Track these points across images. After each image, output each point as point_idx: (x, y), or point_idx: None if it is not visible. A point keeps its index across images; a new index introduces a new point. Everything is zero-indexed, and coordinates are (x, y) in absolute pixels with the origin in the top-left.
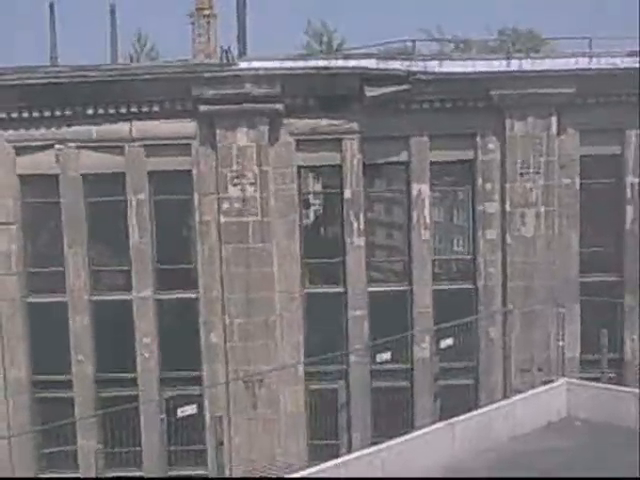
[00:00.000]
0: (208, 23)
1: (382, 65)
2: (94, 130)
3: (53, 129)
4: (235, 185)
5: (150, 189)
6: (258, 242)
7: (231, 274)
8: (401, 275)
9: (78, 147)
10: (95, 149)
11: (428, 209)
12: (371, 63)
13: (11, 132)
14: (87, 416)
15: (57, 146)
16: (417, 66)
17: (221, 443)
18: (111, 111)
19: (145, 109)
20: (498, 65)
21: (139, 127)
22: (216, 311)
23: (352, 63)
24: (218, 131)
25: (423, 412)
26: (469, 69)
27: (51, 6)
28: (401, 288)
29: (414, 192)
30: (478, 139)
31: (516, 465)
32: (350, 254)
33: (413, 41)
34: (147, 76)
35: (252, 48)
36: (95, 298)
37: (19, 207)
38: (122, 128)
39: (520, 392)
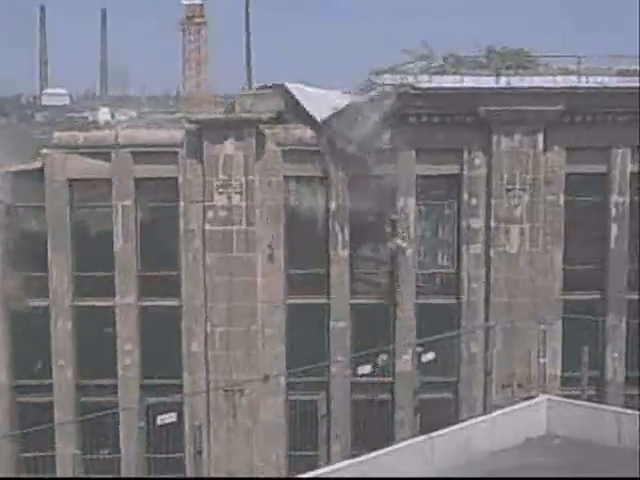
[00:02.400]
0: (199, 32)
1: None
2: None
3: None
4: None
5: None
6: None
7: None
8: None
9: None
10: None
11: (413, 223)
12: None
13: None
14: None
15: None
16: (407, 80)
17: (199, 452)
18: None
19: None
20: (486, 81)
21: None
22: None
23: None
24: None
25: (403, 425)
26: (458, 84)
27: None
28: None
29: (399, 205)
30: (465, 154)
31: None
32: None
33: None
34: None
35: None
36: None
37: None
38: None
39: (500, 408)
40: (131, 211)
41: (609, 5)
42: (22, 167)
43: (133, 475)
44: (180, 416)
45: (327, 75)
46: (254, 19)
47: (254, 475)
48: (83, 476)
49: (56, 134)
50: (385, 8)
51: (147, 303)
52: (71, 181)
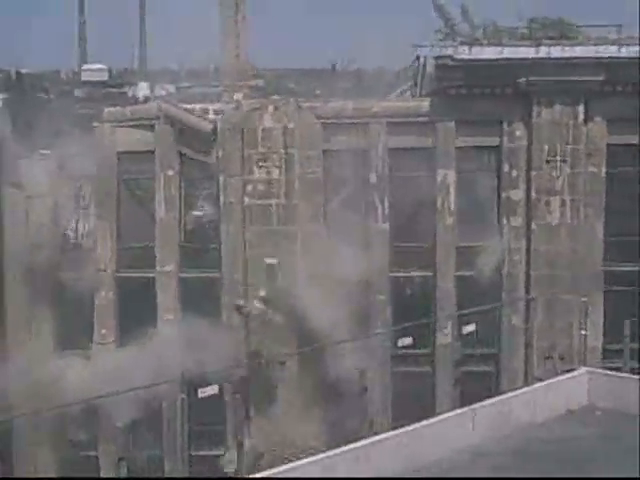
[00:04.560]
0: (237, 3)
1: None
2: None
3: None
4: None
5: None
6: None
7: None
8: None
9: None
10: None
11: (453, 195)
12: None
13: None
14: None
15: None
16: (446, 51)
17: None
18: None
19: None
20: (526, 52)
21: None
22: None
23: None
24: None
25: (444, 398)
26: (497, 55)
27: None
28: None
29: (439, 178)
30: (505, 126)
31: (535, 452)
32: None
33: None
34: None
35: None
36: None
37: None
38: None
39: (541, 380)
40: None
41: None
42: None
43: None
44: (221, 389)
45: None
46: None
47: (293, 449)
48: (84, 476)
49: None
50: None
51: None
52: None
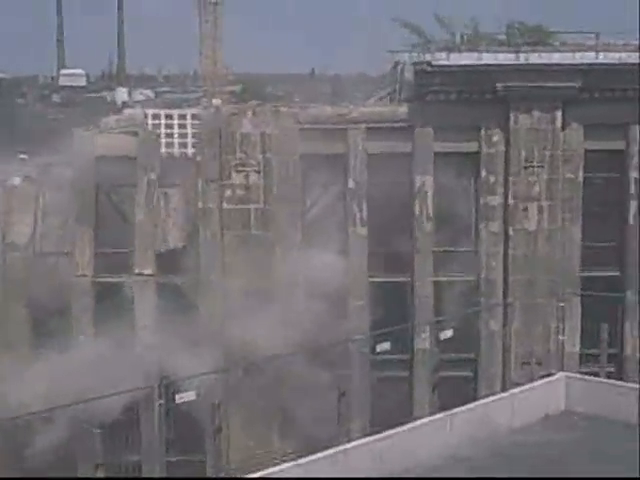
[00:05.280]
0: (214, 9)
1: None
2: None
3: None
4: None
5: None
6: None
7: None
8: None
9: None
10: None
11: (431, 200)
12: None
13: None
14: None
15: None
16: (424, 57)
17: (219, 430)
18: None
19: None
20: (504, 58)
21: None
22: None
23: None
24: None
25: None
26: (475, 61)
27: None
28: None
29: (417, 183)
30: (482, 131)
31: (513, 456)
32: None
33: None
34: None
35: None
36: None
37: None
38: None
39: (519, 385)
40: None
41: None
42: None
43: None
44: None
45: (345, 56)
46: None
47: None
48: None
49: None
50: None
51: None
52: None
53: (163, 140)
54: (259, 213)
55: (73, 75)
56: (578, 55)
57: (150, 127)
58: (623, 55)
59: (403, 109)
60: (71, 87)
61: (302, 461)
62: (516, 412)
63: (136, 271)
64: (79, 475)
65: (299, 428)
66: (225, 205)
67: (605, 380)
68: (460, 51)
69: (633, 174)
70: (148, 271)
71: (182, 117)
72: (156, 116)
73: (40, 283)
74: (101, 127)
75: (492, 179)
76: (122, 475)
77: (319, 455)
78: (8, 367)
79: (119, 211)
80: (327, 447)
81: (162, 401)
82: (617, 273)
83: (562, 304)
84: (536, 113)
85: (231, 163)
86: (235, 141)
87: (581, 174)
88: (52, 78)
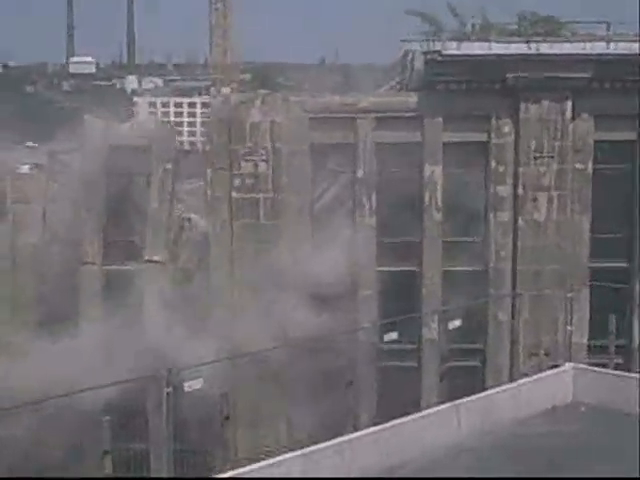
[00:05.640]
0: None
1: None
2: None
3: None
4: None
5: None
6: None
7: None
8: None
9: None
10: None
11: (440, 190)
12: None
13: None
14: None
15: None
16: (435, 47)
17: (227, 418)
18: None
19: None
20: (515, 48)
21: None
22: None
23: None
24: None
25: (430, 392)
26: (486, 51)
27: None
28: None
29: (426, 173)
30: (492, 121)
31: (520, 448)
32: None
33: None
34: None
35: None
36: None
37: None
38: None
39: (527, 375)
40: None
41: None
42: None
43: None
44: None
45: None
46: None
47: (282, 444)
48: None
49: None
50: None
51: None
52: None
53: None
54: (268, 202)
55: (83, 63)
56: (589, 45)
57: (159, 115)
58: (634, 45)
59: (413, 99)
60: (81, 75)
61: (307, 450)
62: (523, 403)
63: (146, 258)
64: (86, 463)
65: (306, 418)
66: (234, 194)
67: (613, 371)
68: (471, 41)
69: None
70: (158, 258)
71: (191, 105)
72: (165, 104)
73: (49, 270)
74: (112, 138)
75: (501, 169)
76: (130, 462)
77: (325, 444)
78: (16, 350)
79: (130, 199)
80: (334, 437)
81: (170, 389)
82: (626, 264)
83: (570, 295)
84: (546, 103)
85: (240, 152)
86: (244, 130)
87: (591, 165)
88: (62, 66)
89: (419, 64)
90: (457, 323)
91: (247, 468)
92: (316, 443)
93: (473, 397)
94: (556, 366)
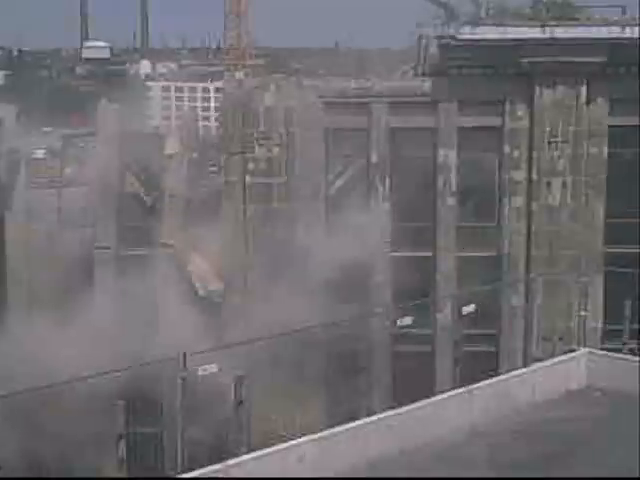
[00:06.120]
0: None
1: None
2: None
3: None
4: None
5: None
6: None
7: None
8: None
9: None
10: None
11: (454, 175)
12: None
13: None
14: None
15: None
16: (449, 31)
17: (241, 402)
18: None
19: None
20: (529, 32)
21: None
22: None
23: None
24: None
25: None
26: (500, 36)
27: None
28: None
29: (440, 158)
30: (507, 106)
31: (534, 432)
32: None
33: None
34: None
35: None
36: None
37: None
38: None
39: (540, 360)
40: None
41: None
42: None
43: None
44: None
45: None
46: None
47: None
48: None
49: None
50: None
51: None
52: None
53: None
54: (282, 186)
55: (96, 48)
56: (604, 30)
57: (173, 100)
58: None
59: (427, 83)
60: (95, 60)
61: (321, 435)
62: (537, 388)
63: (161, 241)
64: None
65: (321, 402)
66: (248, 178)
67: (627, 356)
68: (485, 25)
69: None
70: (172, 242)
71: (205, 90)
72: (179, 89)
73: (64, 253)
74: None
75: (516, 154)
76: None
77: (339, 429)
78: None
79: (144, 184)
80: (349, 420)
81: (184, 373)
82: None
83: (585, 280)
84: (561, 88)
85: (254, 136)
86: (258, 115)
87: (605, 150)
88: (75, 51)
89: (433, 49)
90: (471, 308)
91: (261, 452)
92: (331, 427)
93: (487, 382)
94: (570, 351)
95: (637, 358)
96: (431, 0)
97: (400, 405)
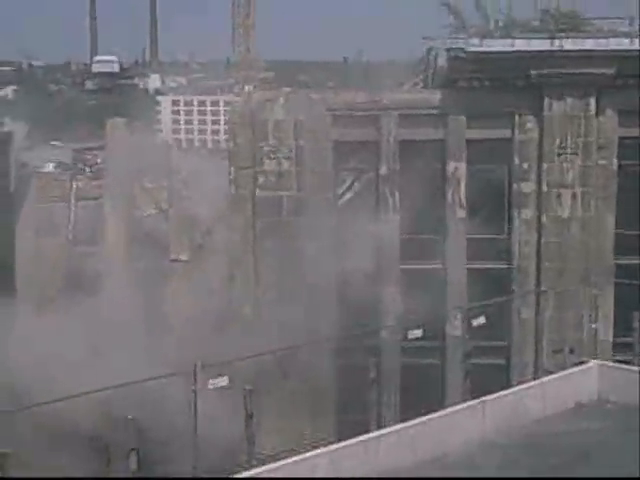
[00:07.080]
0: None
1: None
2: None
3: None
4: None
5: None
6: None
7: None
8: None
9: None
10: None
11: (464, 187)
12: None
13: None
14: None
15: None
16: (458, 44)
17: (251, 416)
18: None
19: None
20: (538, 44)
21: None
22: None
23: None
24: None
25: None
26: (509, 48)
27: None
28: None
29: (450, 170)
30: (516, 118)
31: (545, 444)
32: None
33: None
34: None
35: None
36: None
37: None
38: None
39: (551, 373)
40: None
41: None
42: None
43: None
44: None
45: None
46: None
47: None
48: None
49: None
50: None
51: None
52: None
53: (195, 127)
54: (291, 200)
55: (106, 62)
56: (612, 41)
57: (182, 114)
58: None
59: (436, 96)
60: (104, 74)
61: (334, 447)
62: (548, 400)
63: (172, 257)
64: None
65: (330, 415)
66: (258, 192)
67: (638, 368)
68: (494, 37)
69: None
70: (184, 257)
71: (214, 104)
72: (188, 103)
73: (73, 268)
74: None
75: (525, 166)
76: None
77: (351, 441)
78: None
79: (153, 199)
80: (359, 434)
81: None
82: None
83: (595, 292)
84: (570, 100)
85: (263, 150)
86: (267, 128)
87: (615, 161)
88: (85, 65)
89: (442, 61)
90: (481, 320)
91: (273, 465)
92: (341, 440)
93: (499, 394)
94: (581, 363)
95: None
96: (447, 7)
97: (410, 418)
